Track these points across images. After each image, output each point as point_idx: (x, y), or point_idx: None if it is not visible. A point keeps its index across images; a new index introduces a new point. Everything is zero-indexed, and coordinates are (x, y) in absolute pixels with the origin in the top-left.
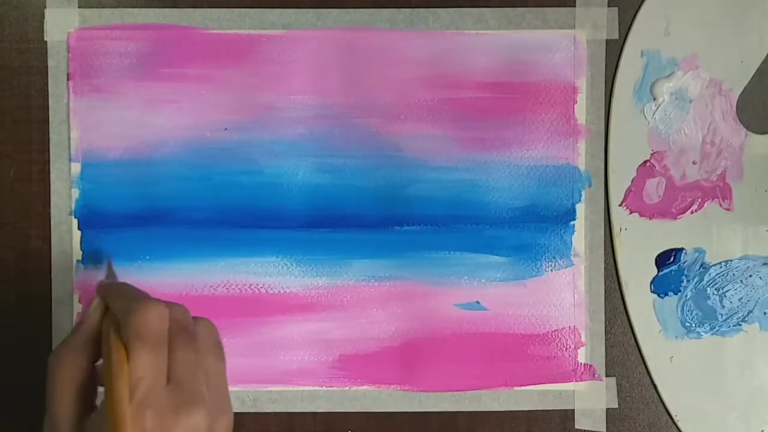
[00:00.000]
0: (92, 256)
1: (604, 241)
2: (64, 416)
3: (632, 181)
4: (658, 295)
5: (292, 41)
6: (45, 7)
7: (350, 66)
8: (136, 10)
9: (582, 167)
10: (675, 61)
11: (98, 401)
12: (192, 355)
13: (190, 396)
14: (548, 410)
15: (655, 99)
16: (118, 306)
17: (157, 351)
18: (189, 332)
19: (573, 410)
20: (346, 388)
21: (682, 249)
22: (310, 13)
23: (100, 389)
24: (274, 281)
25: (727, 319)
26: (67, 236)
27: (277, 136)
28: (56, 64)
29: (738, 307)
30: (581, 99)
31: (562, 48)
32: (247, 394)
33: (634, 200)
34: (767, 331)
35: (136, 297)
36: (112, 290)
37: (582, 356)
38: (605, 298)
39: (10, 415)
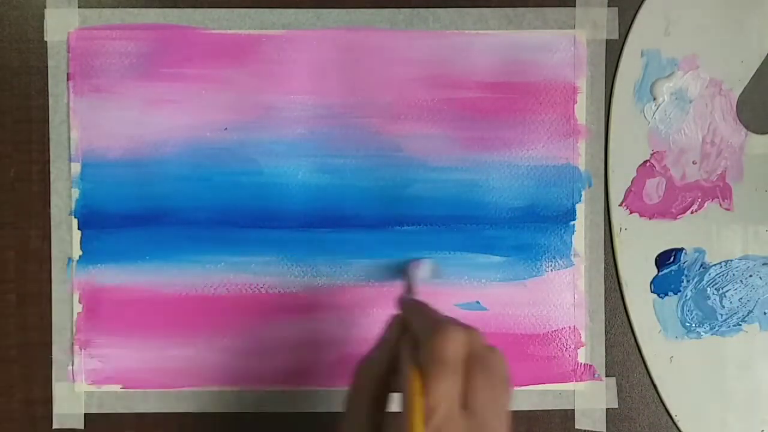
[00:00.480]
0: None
1: (604, 241)
2: (361, 418)
3: (632, 181)
4: (658, 295)
5: (292, 41)
6: (45, 7)
7: (350, 66)
8: (136, 10)
9: (582, 167)
10: (675, 61)
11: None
12: (488, 384)
13: (485, 427)
14: (548, 410)
15: (655, 99)
16: (418, 327)
17: (454, 377)
18: (485, 360)
19: (573, 410)
20: (347, 388)
21: (682, 249)
22: (310, 13)
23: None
24: (274, 281)
25: (727, 319)
26: (67, 236)
27: (277, 136)
28: (56, 64)
29: (738, 307)
30: (581, 99)
31: (562, 48)
32: (247, 394)
33: (634, 200)
34: (767, 331)
35: (437, 319)
36: (413, 308)
37: (582, 356)
38: (605, 298)
39: (10, 415)
